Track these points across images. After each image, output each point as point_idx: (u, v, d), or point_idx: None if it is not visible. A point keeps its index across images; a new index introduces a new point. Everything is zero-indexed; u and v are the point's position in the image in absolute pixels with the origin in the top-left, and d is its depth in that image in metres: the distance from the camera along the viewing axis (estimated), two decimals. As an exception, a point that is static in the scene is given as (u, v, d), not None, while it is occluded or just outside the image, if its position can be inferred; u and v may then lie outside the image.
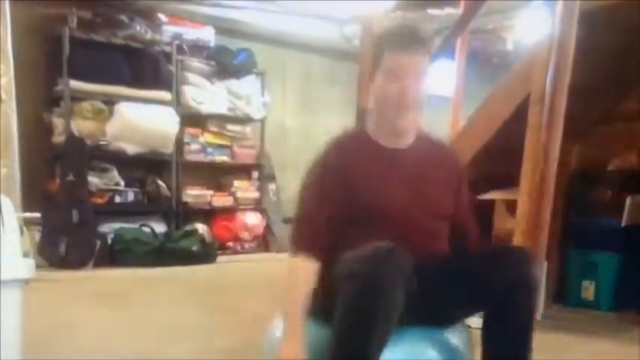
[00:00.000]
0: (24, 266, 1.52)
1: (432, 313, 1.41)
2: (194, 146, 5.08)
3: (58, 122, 4.39)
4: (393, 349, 1.30)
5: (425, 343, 1.42)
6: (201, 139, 5.12)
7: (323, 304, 1.36)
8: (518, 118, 2.48)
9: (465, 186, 1.64)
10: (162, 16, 4.84)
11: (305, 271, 1.41)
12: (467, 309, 1.50)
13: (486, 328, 1.41)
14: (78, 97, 4.39)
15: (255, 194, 5.40)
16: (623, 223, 3.13)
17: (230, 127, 5.27)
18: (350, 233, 1.44)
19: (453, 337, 1.48)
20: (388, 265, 1.25)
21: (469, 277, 1.41)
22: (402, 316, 1.28)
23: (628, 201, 3.14)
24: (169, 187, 4.88)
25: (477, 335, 1.44)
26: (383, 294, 1.24)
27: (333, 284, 1.31)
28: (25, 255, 1.61)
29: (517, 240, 2.25)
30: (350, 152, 1.52)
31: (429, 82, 1.50)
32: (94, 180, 4.42)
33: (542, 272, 2.06)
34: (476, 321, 1.48)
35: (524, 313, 1.37)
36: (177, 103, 4.88)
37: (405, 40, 1.47)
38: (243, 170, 5.42)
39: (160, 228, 4.65)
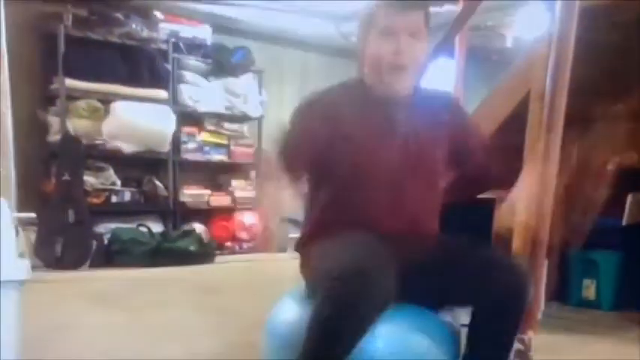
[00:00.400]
0: (20, 267, 1.51)
1: (421, 293, 1.39)
2: (191, 145, 5.06)
3: (53, 121, 4.37)
4: (376, 333, 1.28)
5: (411, 328, 1.40)
6: (199, 138, 5.11)
7: (309, 285, 1.37)
8: (518, 115, 2.47)
9: (476, 131, 1.63)
10: (158, 14, 4.83)
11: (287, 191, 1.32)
12: (455, 302, 1.48)
13: (472, 327, 1.41)
14: (73, 95, 4.37)
15: (253, 193, 5.37)
16: (624, 222, 3.13)
17: (227, 125, 5.25)
18: (336, 194, 1.42)
19: (441, 323, 1.47)
20: (368, 282, 1.19)
21: (461, 276, 1.39)
22: (392, 294, 1.25)
23: (629, 199, 3.14)
24: (166, 187, 4.87)
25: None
26: (356, 323, 1.20)
27: (313, 278, 1.30)
28: (21, 256, 1.60)
29: (517, 240, 2.23)
30: (340, 99, 1.48)
31: (426, 46, 1.47)
32: (90, 179, 4.40)
33: (542, 272, 2.05)
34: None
35: (509, 325, 1.38)
36: (174, 101, 4.86)
37: None
38: (241, 169, 5.40)
39: (157, 228, 4.64)
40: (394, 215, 1.43)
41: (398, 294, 1.26)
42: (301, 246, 1.54)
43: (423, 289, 1.39)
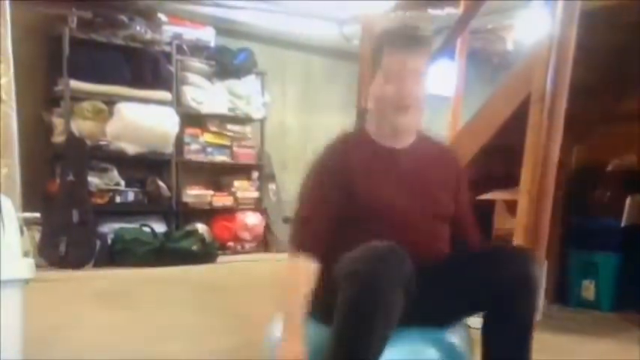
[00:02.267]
0: (24, 266, 1.51)
1: (432, 313, 1.41)
2: (194, 146, 5.08)
3: (58, 122, 4.39)
4: (392, 349, 1.30)
5: (425, 343, 1.42)
6: (201, 139, 5.12)
7: (323, 305, 1.36)
8: (519, 117, 2.48)
9: (465, 187, 1.64)
10: (162, 16, 4.84)
11: (304, 271, 1.40)
12: (467, 309, 1.49)
13: (487, 328, 1.41)
14: (78, 97, 4.39)
15: (255, 194, 5.40)
16: (624, 223, 3.13)
17: (230, 127, 5.27)
18: (349, 234, 1.43)
19: (453, 336, 1.48)
20: (388, 265, 1.24)
21: (469, 277, 1.40)
22: (402, 316, 1.28)
23: (628, 201, 3.14)
24: (169, 187, 4.88)
25: (478, 335, 1.44)
26: (382, 293, 1.23)
27: (333, 284, 1.31)
28: (25, 255, 1.61)
29: (517, 240, 2.24)
30: (349, 153, 1.51)
31: (428, 83, 1.50)
32: (94, 180, 4.42)
33: (542, 272, 2.06)
34: (476, 321, 1.48)
35: (525, 314, 1.37)
36: (177, 103, 4.88)
37: (405, 39, 1.47)
38: (243, 170, 5.42)
39: (160, 228, 4.65)
40: (406, 244, 1.40)
41: (409, 316, 1.29)
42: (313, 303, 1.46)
43: (433, 308, 1.40)
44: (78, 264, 4.01)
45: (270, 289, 1.72)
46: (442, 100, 3.34)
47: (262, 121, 5.46)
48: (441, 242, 1.54)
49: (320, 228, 1.44)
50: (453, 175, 1.60)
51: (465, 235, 1.61)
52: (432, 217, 1.51)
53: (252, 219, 5.24)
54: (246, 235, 5.19)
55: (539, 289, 1.36)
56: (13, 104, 3.82)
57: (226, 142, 5.26)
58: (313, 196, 1.49)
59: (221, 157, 5.25)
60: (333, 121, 5.51)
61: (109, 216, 4.52)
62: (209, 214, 5.14)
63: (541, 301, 2.64)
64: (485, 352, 1.42)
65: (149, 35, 4.69)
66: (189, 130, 5.03)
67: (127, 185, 4.68)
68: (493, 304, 1.38)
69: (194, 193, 5.05)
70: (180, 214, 4.96)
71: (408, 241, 1.36)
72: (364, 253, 1.27)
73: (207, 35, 5.09)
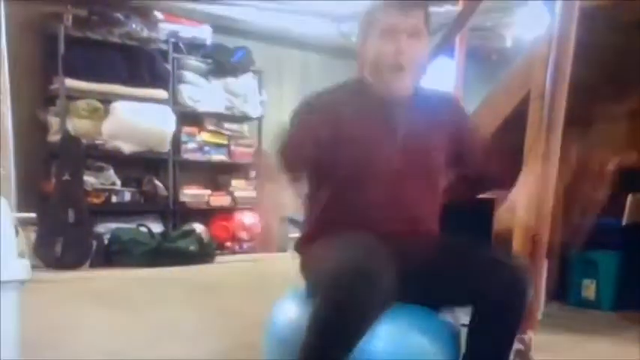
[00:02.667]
0: (20, 267, 1.51)
1: (421, 293, 1.39)
2: (191, 145, 5.06)
3: (53, 121, 4.37)
4: (376, 333, 1.28)
5: (411, 327, 1.40)
6: (199, 138, 5.11)
7: (309, 286, 1.37)
8: (518, 116, 2.47)
9: (474, 131, 1.63)
10: (158, 14, 4.83)
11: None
12: (455, 302, 1.48)
13: (472, 327, 1.41)
14: (73, 95, 4.37)
15: (253, 193, 5.36)
16: (624, 222, 3.13)
17: (227, 125, 5.25)
18: (335, 194, 1.43)
19: (441, 323, 1.47)
20: (367, 287, 1.19)
21: (461, 276, 1.38)
22: (393, 295, 1.25)
23: (629, 199, 3.13)
24: (166, 187, 4.87)
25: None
26: (357, 320, 1.21)
27: (312, 280, 1.30)
28: (21, 256, 1.60)
29: (517, 240, 2.23)
30: (341, 98, 1.49)
31: (426, 46, 1.47)
32: (90, 179, 4.40)
33: (542, 272, 2.05)
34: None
35: (509, 325, 1.37)
36: (174, 101, 4.86)
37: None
38: (240, 169, 5.40)
39: (157, 228, 4.64)
40: (394, 215, 1.43)
41: (398, 293, 1.26)
42: (301, 246, 1.54)
43: (423, 289, 1.39)
44: (74, 264, 3.99)
45: (269, 290, 1.71)
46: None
47: (260, 120, 5.44)
48: (427, 209, 1.51)
49: (303, 151, 1.40)
50: (453, 125, 1.55)
51: (487, 176, 1.60)
52: (425, 178, 1.48)
53: (250, 219, 5.22)
54: (244, 235, 5.17)
55: (528, 299, 1.36)
56: (8, 103, 3.79)
57: (224, 141, 5.25)
58: (301, 126, 1.45)
59: (218, 156, 5.23)
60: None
61: (106, 216, 4.50)
62: (207, 213, 5.12)
63: (541, 302, 2.64)
64: (468, 349, 1.42)
65: (145, 33, 4.67)
66: (186, 129, 5.02)
67: (124, 185, 4.66)
68: (481, 309, 1.37)
69: (191, 193, 5.04)
70: (178, 214, 4.94)
71: (397, 204, 1.36)
72: (344, 266, 1.21)
73: (204, 33, 5.07)
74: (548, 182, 2.22)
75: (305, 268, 1.49)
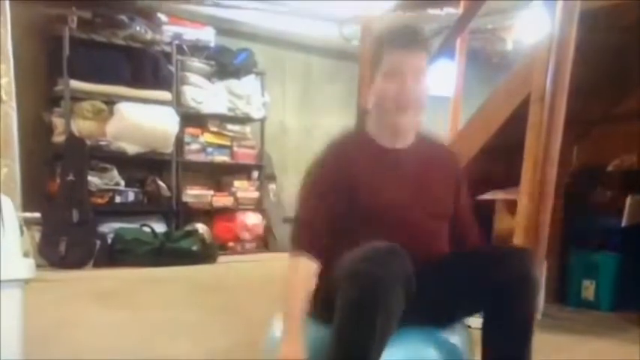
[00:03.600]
0: (24, 266, 1.51)
1: (431, 313, 1.41)
2: (194, 146, 5.08)
3: (58, 122, 4.39)
4: (392, 349, 1.30)
5: (425, 343, 1.42)
6: (202, 139, 5.12)
7: (323, 305, 1.36)
8: (518, 118, 2.48)
9: (465, 187, 1.64)
10: (162, 16, 4.84)
11: (305, 271, 1.40)
12: (467, 309, 1.49)
13: (486, 328, 1.41)
14: (78, 97, 4.39)
15: (256, 194, 5.39)
16: (624, 223, 3.13)
17: (230, 127, 5.27)
18: (350, 234, 1.43)
19: (453, 336, 1.48)
20: (388, 265, 1.25)
21: (468, 277, 1.40)
22: (402, 316, 1.28)
23: (628, 201, 3.13)
24: (169, 187, 4.88)
25: (477, 335, 1.44)
26: (383, 294, 1.23)
27: (333, 284, 1.31)
28: (26, 255, 1.61)
29: (517, 240, 2.24)
30: (349, 153, 1.52)
31: (429, 84, 1.50)
32: (94, 180, 4.42)
33: (541, 272, 2.06)
34: (476, 321, 1.48)
35: (524, 313, 1.37)
36: (178, 103, 4.88)
37: (405, 39, 1.47)
38: (243, 170, 5.42)
39: (160, 228, 4.65)
40: (406, 244, 1.41)
41: (409, 315, 1.29)
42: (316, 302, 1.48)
43: (432, 307, 1.40)
44: (78, 264, 4.00)
45: (271, 290, 1.72)
46: (442, 101, 3.34)
47: (262, 121, 5.46)
48: (441, 242, 1.54)
49: (320, 228, 1.44)
50: (452, 175, 1.61)
51: (465, 236, 1.61)
52: (432, 217, 1.52)
53: (253, 219, 5.24)
54: (246, 236, 5.19)
55: (539, 288, 1.37)
56: (14, 104, 3.82)
57: (226, 142, 5.26)
58: (313, 196, 1.49)
59: (221, 157, 5.25)
60: (332, 122, 5.52)
61: (109, 216, 4.52)
62: (209, 214, 5.14)
63: (541, 300, 2.64)
64: (485, 352, 1.42)
65: (149, 35, 4.69)
66: (190, 130, 5.03)
67: (127, 185, 4.68)
68: (492, 303, 1.38)
69: (194, 193, 5.05)
70: (181, 214, 4.96)
71: (409, 242, 1.36)
72: (365, 254, 1.27)
73: (208, 35, 5.09)
74: (548, 183, 2.24)
75: (316, 293, 1.44)
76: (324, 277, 1.40)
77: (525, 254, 1.44)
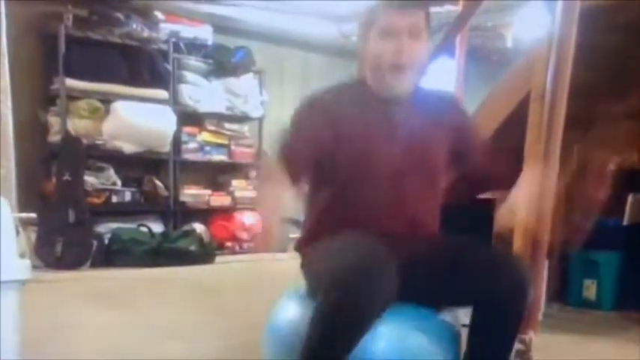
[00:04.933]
0: (20, 267, 1.50)
1: (420, 293, 1.39)
2: (191, 145, 5.06)
3: (54, 121, 4.37)
4: (377, 333, 1.28)
5: (411, 329, 1.40)
6: (199, 138, 5.11)
7: (310, 284, 1.38)
8: (518, 116, 2.47)
9: (474, 131, 1.63)
10: (159, 14, 4.82)
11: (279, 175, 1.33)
12: (455, 302, 1.48)
13: (472, 327, 1.41)
14: (74, 95, 4.37)
15: (254, 193, 5.37)
16: (625, 222, 3.12)
17: (228, 125, 5.25)
18: (336, 193, 1.44)
19: (441, 324, 1.47)
20: (368, 281, 1.19)
21: (461, 276, 1.38)
22: (393, 294, 1.25)
23: (630, 199, 3.13)
24: (167, 187, 4.87)
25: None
26: (359, 312, 1.21)
27: (317, 271, 1.30)
28: (21, 256, 1.59)
29: (517, 239, 2.23)
30: (341, 98, 1.50)
31: (427, 46, 1.48)
32: (90, 179, 4.40)
33: (542, 272, 2.05)
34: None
35: (511, 323, 1.38)
36: (175, 101, 4.86)
37: None
38: (241, 169, 5.40)
39: (157, 228, 4.64)
40: (394, 215, 1.44)
41: (398, 293, 1.26)
42: (301, 246, 1.55)
43: (423, 289, 1.39)
44: (74, 264, 3.99)
45: (268, 290, 1.71)
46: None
47: (260, 120, 5.44)
48: (432, 211, 1.52)
49: (304, 152, 1.40)
50: (453, 124, 1.55)
51: (488, 176, 1.60)
52: (425, 178, 1.49)
53: (251, 219, 5.22)
54: (244, 235, 5.17)
55: (528, 299, 1.36)
56: (9, 103, 3.80)
57: (224, 141, 5.25)
58: (302, 127, 1.46)
59: (219, 156, 5.23)
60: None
61: (106, 216, 4.50)
62: (207, 213, 5.12)
63: (542, 302, 2.64)
64: (468, 350, 1.42)
65: (146, 33, 4.67)
66: (187, 129, 5.02)
67: (124, 185, 4.66)
68: (481, 308, 1.37)
69: (192, 193, 5.03)
70: (178, 214, 4.94)
71: (397, 203, 1.36)
72: (345, 265, 1.21)
73: (205, 33, 5.07)
74: (548, 182, 2.23)
75: (305, 267, 1.49)
76: (312, 247, 1.40)
77: (520, 269, 1.40)
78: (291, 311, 1.51)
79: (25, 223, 3.66)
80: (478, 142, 1.64)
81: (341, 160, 1.43)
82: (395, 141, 1.46)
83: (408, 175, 1.46)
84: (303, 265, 1.51)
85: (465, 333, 1.46)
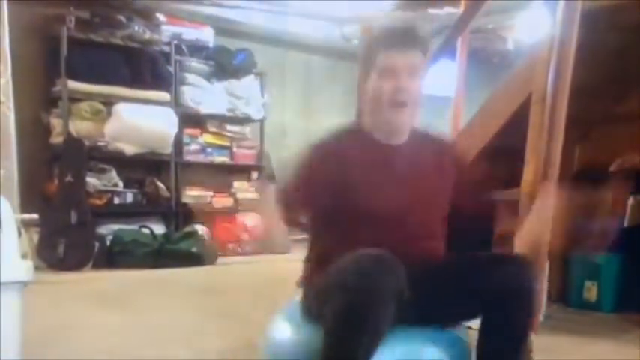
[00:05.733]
0: (23, 268, 1.51)
1: (429, 314, 1.40)
2: (193, 147, 5.07)
3: (56, 123, 4.38)
4: (390, 347, 1.29)
5: (422, 343, 1.41)
6: (201, 140, 5.11)
7: (317, 307, 1.36)
8: (520, 118, 2.47)
9: (469, 170, 1.65)
10: (160, 16, 4.83)
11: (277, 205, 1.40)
12: (464, 314, 1.49)
13: (482, 334, 1.40)
14: (76, 97, 4.38)
15: (255, 195, 5.37)
16: (625, 224, 3.12)
17: (229, 127, 5.26)
18: (343, 234, 1.44)
19: (451, 337, 1.47)
20: (377, 278, 1.22)
21: (466, 283, 1.39)
22: (399, 315, 1.26)
23: (630, 201, 3.13)
24: (168, 188, 4.87)
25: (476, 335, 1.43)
26: (370, 308, 1.22)
27: (325, 289, 1.31)
28: (24, 257, 1.60)
29: (517, 240, 2.23)
30: (343, 146, 1.52)
31: (425, 81, 1.51)
32: (92, 181, 4.41)
33: (539, 282, 2.06)
34: (477, 322, 1.47)
35: (520, 323, 1.37)
36: (176, 103, 4.87)
37: (401, 38, 1.48)
38: (242, 171, 5.41)
39: (159, 229, 4.64)
40: (400, 253, 1.41)
41: (404, 317, 1.28)
42: (304, 282, 1.55)
43: (430, 311, 1.40)
44: (76, 265, 3.99)
45: (270, 291, 1.71)
46: (443, 101, 3.33)
47: (262, 122, 5.44)
48: (436, 240, 1.54)
49: (298, 205, 1.45)
50: (451, 165, 1.59)
51: (478, 213, 1.63)
52: (427, 215, 1.51)
53: (252, 220, 5.22)
54: (245, 237, 5.17)
55: (536, 298, 1.36)
56: (11, 105, 3.81)
57: (226, 143, 5.25)
58: (301, 179, 1.49)
59: (220, 158, 5.24)
60: (333, 122, 5.48)
61: (108, 217, 4.50)
62: (209, 215, 5.12)
63: (543, 304, 2.64)
64: (479, 356, 1.41)
65: (148, 35, 4.68)
66: (189, 131, 5.02)
67: (126, 186, 4.67)
68: (489, 312, 1.37)
69: (193, 194, 5.04)
70: (180, 215, 4.94)
71: (403, 240, 1.36)
72: (353, 265, 1.25)
73: (206, 35, 5.08)
74: (549, 184, 2.23)
75: (306, 293, 1.50)
76: (317, 278, 1.40)
77: (524, 264, 1.41)
78: (288, 328, 1.53)
79: (27, 224, 3.66)
80: (468, 183, 1.64)
81: (346, 205, 1.46)
82: (397, 183, 1.49)
83: (411, 215, 1.48)
84: (305, 297, 1.51)
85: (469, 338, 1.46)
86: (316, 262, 1.51)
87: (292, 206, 1.43)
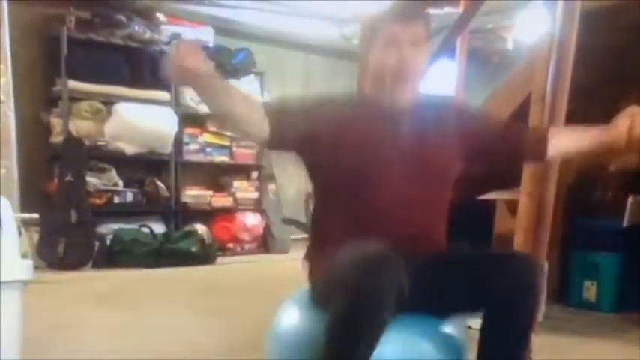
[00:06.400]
0: (22, 267, 1.50)
1: (430, 303, 1.39)
2: (193, 146, 5.07)
3: (56, 122, 4.38)
4: (388, 341, 1.28)
5: (419, 339, 1.40)
6: (201, 139, 5.12)
7: (321, 295, 1.37)
8: (519, 117, 2.47)
9: (488, 123, 1.64)
10: (160, 16, 4.84)
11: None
12: (466, 308, 1.47)
13: (484, 330, 1.40)
14: (76, 97, 4.38)
15: (255, 195, 5.38)
16: (625, 224, 3.12)
17: (229, 127, 5.26)
18: (342, 197, 1.44)
19: (451, 332, 1.47)
20: (377, 276, 1.21)
21: (470, 279, 1.38)
22: (400, 304, 1.25)
23: (629, 201, 3.13)
24: (168, 188, 4.87)
25: (476, 334, 1.43)
26: (370, 306, 1.21)
27: (325, 287, 1.31)
28: (24, 256, 1.60)
29: (518, 240, 2.24)
30: (344, 104, 1.54)
31: (427, 53, 1.50)
32: (92, 180, 4.41)
33: (543, 278, 2.05)
34: (476, 322, 1.47)
35: (523, 321, 1.36)
36: (176, 103, 4.87)
37: (404, 11, 1.49)
38: (242, 170, 5.41)
39: (158, 229, 4.64)
40: (400, 228, 1.43)
41: (404, 303, 1.27)
42: (310, 256, 1.56)
43: (430, 299, 1.39)
44: (76, 265, 4.00)
45: (269, 290, 1.71)
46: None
47: (261, 121, 5.44)
48: (436, 223, 1.52)
49: (290, 130, 1.45)
50: (459, 126, 1.55)
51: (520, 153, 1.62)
52: (428, 183, 1.49)
53: (252, 220, 5.23)
54: (245, 236, 5.17)
55: (540, 295, 1.35)
56: (12, 104, 3.81)
57: (225, 143, 5.25)
58: (294, 108, 1.50)
59: (220, 158, 5.24)
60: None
61: (108, 216, 4.51)
62: (208, 214, 5.13)
63: (542, 304, 2.64)
64: (481, 352, 1.41)
65: (148, 35, 4.68)
66: (188, 130, 5.03)
67: (126, 186, 4.67)
68: (492, 307, 1.36)
69: (193, 194, 5.04)
70: (180, 215, 4.95)
71: (400, 214, 1.36)
72: (354, 263, 1.23)
73: (206, 35, 5.08)
74: (549, 184, 2.24)
75: (313, 275, 1.49)
76: (318, 262, 1.40)
77: (529, 262, 1.41)
78: (295, 317, 1.51)
79: (27, 224, 3.67)
80: (497, 128, 1.62)
81: (342, 168, 1.44)
82: (397, 149, 1.47)
83: (412, 184, 1.46)
84: (311, 274, 1.51)
85: (467, 336, 1.46)
86: (319, 235, 1.52)
87: (283, 128, 1.43)
